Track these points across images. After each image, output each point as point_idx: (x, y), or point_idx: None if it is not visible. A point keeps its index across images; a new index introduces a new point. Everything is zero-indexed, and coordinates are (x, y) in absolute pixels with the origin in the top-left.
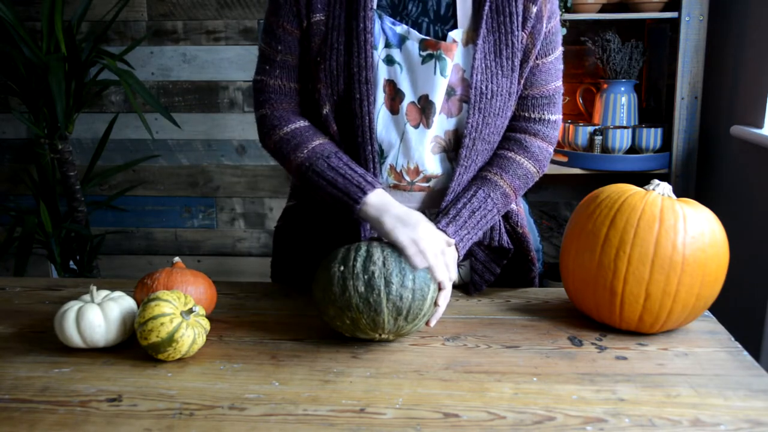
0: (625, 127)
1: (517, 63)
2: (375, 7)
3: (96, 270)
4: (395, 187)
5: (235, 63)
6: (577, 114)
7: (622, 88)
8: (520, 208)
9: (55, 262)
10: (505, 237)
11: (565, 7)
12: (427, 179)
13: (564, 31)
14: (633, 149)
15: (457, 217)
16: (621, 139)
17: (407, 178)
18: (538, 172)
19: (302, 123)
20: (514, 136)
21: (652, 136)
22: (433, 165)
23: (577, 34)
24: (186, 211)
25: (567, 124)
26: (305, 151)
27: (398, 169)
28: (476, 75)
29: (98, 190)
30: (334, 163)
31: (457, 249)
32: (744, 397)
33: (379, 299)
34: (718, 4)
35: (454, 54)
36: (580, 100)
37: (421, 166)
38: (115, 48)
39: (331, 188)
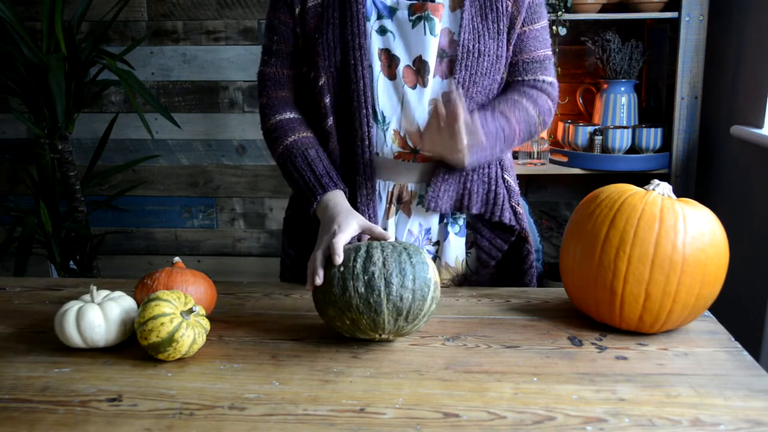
0: (625, 127)
1: (503, 27)
2: None
3: (96, 270)
4: (399, 156)
5: (235, 63)
6: (577, 114)
7: (622, 88)
8: (516, 182)
9: (55, 262)
10: (507, 213)
11: (565, 7)
12: None
13: (564, 30)
14: (633, 149)
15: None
16: (621, 139)
17: (411, 144)
18: (539, 117)
19: (287, 115)
20: (510, 86)
21: (652, 136)
22: None
23: (577, 34)
24: (186, 211)
25: (567, 124)
26: (280, 146)
27: (402, 134)
28: (463, 34)
29: (98, 190)
30: (299, 163)
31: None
32: (744, 397)
33: (380, 300)
34: (718, 4)
35: (441, 14)
36: (580, 100)
37: (423, 127)
38: (115, 48)
39: (296, 188)
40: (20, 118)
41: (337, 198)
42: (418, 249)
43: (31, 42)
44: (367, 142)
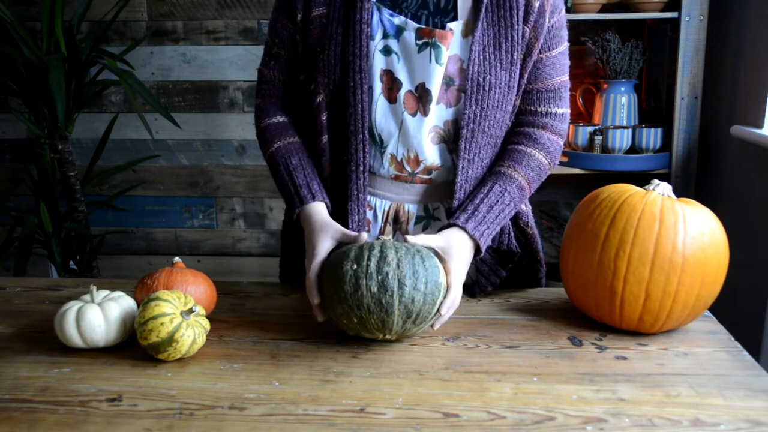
0: (625, 127)
1: (516, 56)
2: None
3: (96, 270)
4: (396, 178)
5: (235, 63)
6: (577, 114)
7: (622, 88)
8: (529, 208)
9: (55, 262)
10: (513, 241)
11: (565, 7)
12: (428, 171)
13: None
14: (633, 149)
15: (476, 213)
16: (621, 139)
17: (408, 168)
18: (551, 164)
19: (276, 119)
20: (523, 130)
21: (652, 136)
22: (432, 155)
23: (577, 34)
24: (186, 211)
25: None
26: (267, 153)
27: (399, 158)
28: (473, 66)
29: (98, 190)
30: (280, 172)
31: (478, 245)
32: (744, 397)
33: (392, 300)
34: (718, 4)
35: (450, 43)
36: (580, 100)
37: (420, 155)
38: (115, 48)
39: (281, 195)
40: (20, 118)
41: (312, 210)
42: (429, 253)
43: (31, 42)
44: (362, 168)
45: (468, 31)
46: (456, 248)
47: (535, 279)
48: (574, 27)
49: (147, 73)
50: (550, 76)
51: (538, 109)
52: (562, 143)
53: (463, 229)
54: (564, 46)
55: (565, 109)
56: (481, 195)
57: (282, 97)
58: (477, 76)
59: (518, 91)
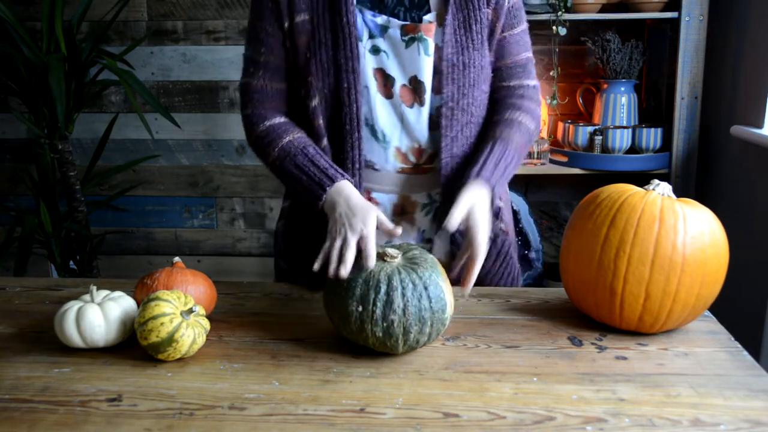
0: (625, 127)
1: (486, 36)
2: (356, 2)
3: (96, 270)
4: (401, 171)
5: (235, 63)
6: (577, 114)
7: (622, 88)
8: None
9: (55, 262)
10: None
11: (565, 7)
12: (431, 158)
13: (564, 30)
14: (633, 149)
15: (486, 164)
16: (621, 139)
17: (412, 159)
18: (536, 129)
19: (276, 120)
20: (503, 102)
21: (652, 136)
22: (431, 142)
23: (577, 34)
24: (186, 211)
25: (567, 124)
26: (276, 149)
27: (404, 151)
28: (446, 48)
29: (98, 190)
30: (299, 161)
31: (493, 192)
32: (744, 397)
33: (396, 344)
34: (718, 4)
35: (434, 34)
36: (580, 100)
37: (423, 144)
38: (115, 48)
39: (298, 186)
40: (20, 118)
41: (349, 189)
42: (436, 280)
43: (31, 42)
44: (357, 165)
45: (442, 21)
46: (477, 227)
47: (502, 250)
48: (574, 27)
49: (147, 73)
50: (517, 53)
51: (511, 84)
52: (540, 111)
53: (479, 177)
54: (524, 25)
55: (535, 82)
56: (485, 153)
57: (276, 103)
58: (451, 57)
59: (491, 69)
